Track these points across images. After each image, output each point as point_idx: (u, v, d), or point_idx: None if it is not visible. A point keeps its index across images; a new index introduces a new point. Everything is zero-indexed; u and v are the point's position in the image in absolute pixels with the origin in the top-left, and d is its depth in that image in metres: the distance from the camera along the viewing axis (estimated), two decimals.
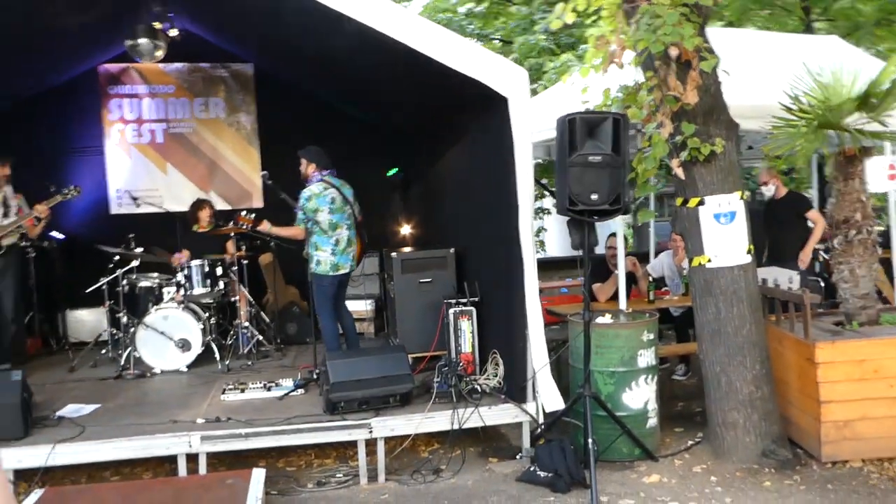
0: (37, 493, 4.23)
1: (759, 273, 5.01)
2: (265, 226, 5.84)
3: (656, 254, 7.87)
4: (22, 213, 6.04)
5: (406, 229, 8.09)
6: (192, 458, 4.52)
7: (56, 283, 7.70)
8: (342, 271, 5.80)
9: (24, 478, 4.52)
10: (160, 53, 6.57)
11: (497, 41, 13.54)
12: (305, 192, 5.71)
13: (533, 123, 4.98)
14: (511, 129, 4.62)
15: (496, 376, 5.12)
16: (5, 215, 5.95)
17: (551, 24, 5.32)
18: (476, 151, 5.70)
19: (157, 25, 7.13)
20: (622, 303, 5.68)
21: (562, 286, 7.92)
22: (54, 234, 7.78)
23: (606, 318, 5.04)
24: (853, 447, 4.53)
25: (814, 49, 6.41)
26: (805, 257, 6.68)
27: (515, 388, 4.91)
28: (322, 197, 5.69)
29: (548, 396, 4.72)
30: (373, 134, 8.31)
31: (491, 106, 4.86)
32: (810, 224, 6.88)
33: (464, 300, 5.52)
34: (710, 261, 4.67)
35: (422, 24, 4.60)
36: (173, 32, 7.34)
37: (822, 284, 7.30)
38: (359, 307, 7.49)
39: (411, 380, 4.92)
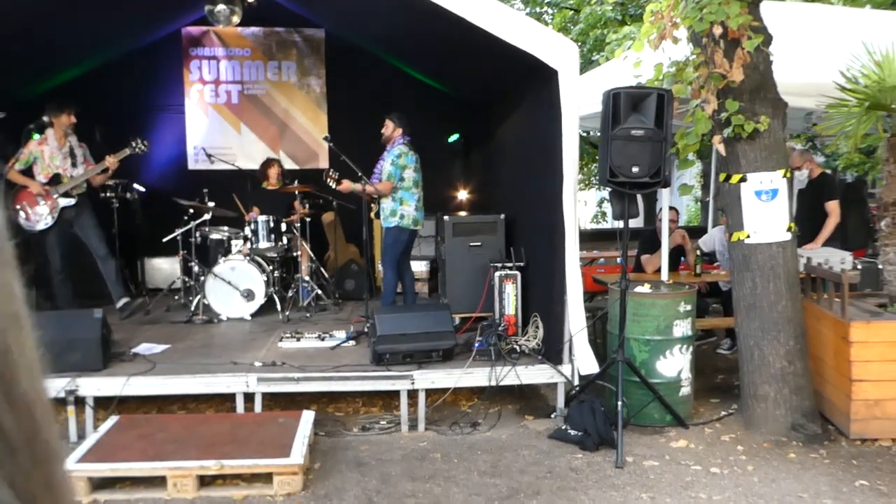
0: (112, 420, 4.72)
1: (813, 253, 5.03)
2: (348, 185, 6.12)
3: None
4: (88, 163, 6.45)
5: (463, 194, 8.32)
6: (249, 398, 4.93)
7: (136, 233, 8.26)
8: (419, 227, 6.30)
9: (103, 406, 5.03)
10: (236, 18, 6.92)
11: (569, 9, 13.49)
12: (396, 150, 6.12)
13: (588, 96, 5.11)
14: (560, 100, 4.78)
15: (536, 338, 5.34)
16: (73, 165, 6.38)
17: None
18: (528, 121, 5.88)
19: None
20: (664, 274, 5.80)
21: (618, 256, 8.04)
22: (136, 186, 8.32)
23: (645, 288, 5.18)
24: (882, 426, 4.59)
25: (878, 26, 6.26)
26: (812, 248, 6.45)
27: (552, 351, 5.14)
28: (409, 156, 6.16)
29: (583, 360, 4.93)
30: (436, 101, 8.53)
31: (542, 78, 5.02)
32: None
33: (510, 264, 5.74)
34: (749, 236, 4.76)
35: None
36: None
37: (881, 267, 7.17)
38: (415, 267, 7.78)
39: (453, 337, 5.19)
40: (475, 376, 5.02)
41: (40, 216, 6.32)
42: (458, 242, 6.35)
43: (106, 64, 8.19)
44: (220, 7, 6.70)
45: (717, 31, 4.21)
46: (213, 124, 8.74)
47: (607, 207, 13.98)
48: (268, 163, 7.90)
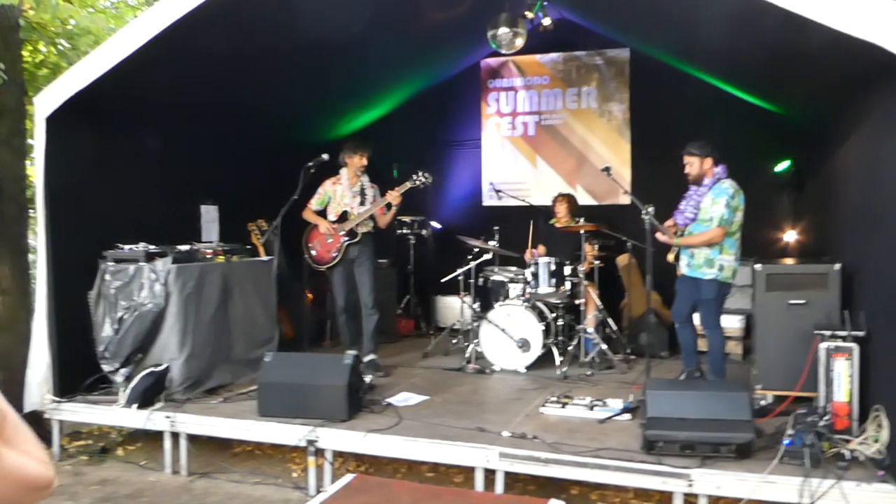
0: (347, 478, 4.33)
1: None
2: (666, 237, 5.35)
3: None
4: (375, 202, 6.31)
5: (791, 236, 6.73)
6: (491, 471, 4.22)
7: (429, 270, 8.13)
8: (735, 280, 5.29)
9: (353, 457, 4.72)
10: (520, 41, 6.37)
11: None
12: (727, 189, 5.12)
13: None
14: None
15: (877, 442, 3.81)
16: (361, 203, 6.28)
17: None
18: (879, 139, 4.34)
19: (529, 15, 6.99)
20: None
21: None
22: (432, 223, 8.23)
23: None
24: None
25: None
26: None
27: None
28: (742, 195, 5.18)
29: None
30: (759, 121, 7.05)
31: None
32: None
33: (843, 333, 4.25)
34: None
35: None
36: (546, 22, 7.14)
37: None
38: (727, 323, 6.43)
39: (751, 429, 3.90)
40: (779, 487, 3.67)
41: (327, 254, 6.35)
42: (773, 298, 4.95)
43: (404, 101, 8.24)
44: (503, 30, 6.21)
45: None
46: (508, 158, 8.34)
47: None
48: (558, 198, 7.23)
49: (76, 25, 6.39)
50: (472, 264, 6.65)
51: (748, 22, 4.41)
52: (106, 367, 5.37)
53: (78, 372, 5.41)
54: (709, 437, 3.90)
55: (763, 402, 4.81)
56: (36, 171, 5.45)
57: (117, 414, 5.10)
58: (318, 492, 4.44)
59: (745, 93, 6.98)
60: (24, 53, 6.54)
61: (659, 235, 5.33)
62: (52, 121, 5.30)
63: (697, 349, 5.50)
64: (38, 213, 5.40)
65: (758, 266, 5.07)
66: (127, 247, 5.49)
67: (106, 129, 5.61)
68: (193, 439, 4.98)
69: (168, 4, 4.91)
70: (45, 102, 5.29)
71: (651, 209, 5.19)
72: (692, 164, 5.26)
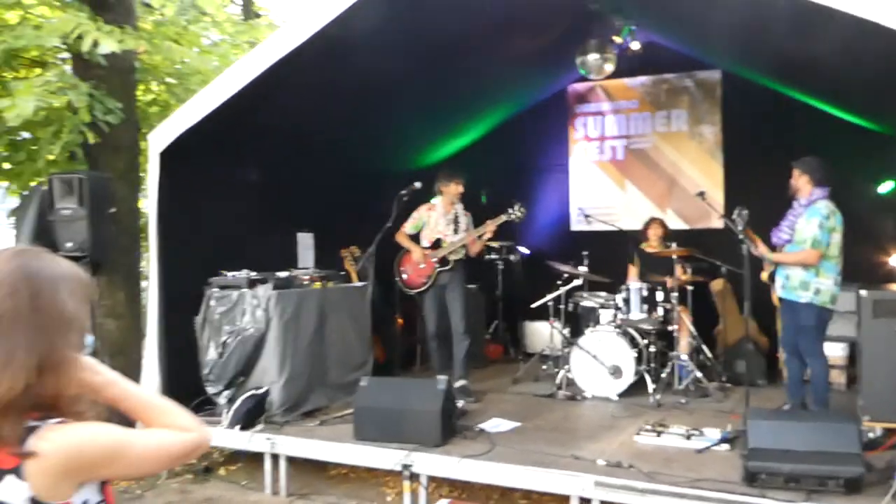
0: (442, 503, 4.41)
1: None
2: (763, 249, 5.27)
3: None
4: (469, 231, 6.38)
5: None
6: (587, 500, 4.19)
7: (518, 295, 8.14)
8: (835, 305, 5.10)
9: (447, 482, 4.78)
10: (609, 67, 6.40)
11: None
12: (822, 209, 5.01)
13: None
14: None
15: None
16: (455, 231, 6.37)
17: None
18: None
19: (618, 40, 7.00)
20: None
21: None
22: (520, 248, 8.27)
23: None
24: None
25: None
26: None
27: None
28: (838, 215, 5.04)
29: None
30: (862, 142, 6.81)
31: None
32: None
33: None
34: None
35: None
36: (635, 46, 7.14)
37: None
38: (829, 351, 6.18)
39: (861, 462, 3.76)
40: None
41: (419, 279, 6.47)
42: (880, 326, 4.74)
43: (493, 128, 8.35)
44: (592, 57, 6.25)
45: None
46: (596, 182, 8.31)
47: None
48: (649, 222, 7.15)
49: (186, 65, 6.78)
50: (563, 289, 6.64)
51: (851, 39, 4.30)
52: (210, 390, 5.61)
53: (185, 393, 5.65)
54: (815, 469, 3.77)
55: (871, 435, 4.61)
56: (149, 202, 5.80)
57: (221, 435, 5.31)
58: None
59: (845, 112, 6.76)
60: (137, 93, 6.98)
61: (753, 249, 5.23)
62: (164, 155, 5.64)
63: (804, 381, 5.33)
64: (151, 243, 5.73)
65: (863, 292, 4.87)
66: (230, 273, 5.75)
67: (211, 162, 5.92)
68: (291, 460, 5.13)
69: (268, 47, 5.21)
70: (159, 139, 5.63)
71: (745, 211, 5.12)
72: (793, 177, 5.22)
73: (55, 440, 1.35)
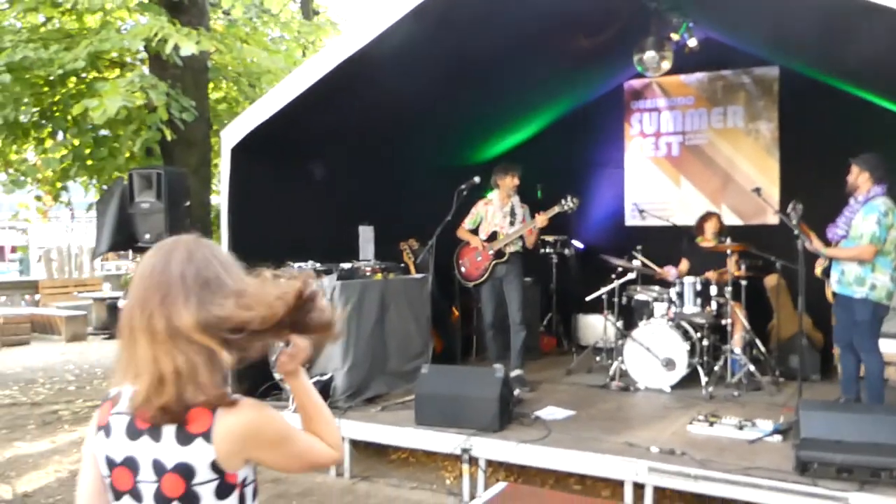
0: (499, 486, 4.57)
1: None
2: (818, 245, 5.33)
3: None
4: (525, 223, 6.53)
5: None
6: (640, 485, 4.34)
7: (572, 288, 8.27)
8: (892, 302, 5.13)
9: (503, 467, 4.97)
10: (666, 64, 6.47)
11: None
12: (880, 206, 5.06)
13: None
14: None
15: None
16: (511, 224, 6.53)
17: None
18: None
19: (675, 37, 7.05)
20: None
21: None
22: (574, 242, 8.39)
23: None
24: None
25: None
26: None
27: None
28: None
29: None
30: None
31: None
32: None
33: None
34: None
35: None
36: (692, 43, 7.18)
37: None
38: (885, 348, 6.18)
39: None
40: None
41: (476, 271, 6.66)
42: None
43: (549, 124, 8.48)
44: (649, 54, 6.33)
45: None
46: (651, 178, 8.37)
47: None
48: (705, 216, 7.20)
49: (255, 64, 7.09)
50: (617, 283, 6.76)
51: None
52: (278, 376, 5.89)
53: (253, 379, 5.96)
54: (868, 461, 3.85)
55: None
56: (221, 196, 6.10)
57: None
58: (472, 498, 4.71)
59: None
60: (208, 91, 7.32)
61: (807, 244, 5.29)
62: (236, 151, 5.94)
63: (859, 377, 5.36)
64: (222, 235, 6.03)
65: None
66: (297, 265, 6.01)
67: (279, 157, 6.21)
68: (354, 444, 5.38)
69: (333, 49, 5.46)
70: (231, 134, 5.93)
71: (800, 206, 5.18)
72: (851, 174, 5.25)
73: (245, 411, 1.51)
